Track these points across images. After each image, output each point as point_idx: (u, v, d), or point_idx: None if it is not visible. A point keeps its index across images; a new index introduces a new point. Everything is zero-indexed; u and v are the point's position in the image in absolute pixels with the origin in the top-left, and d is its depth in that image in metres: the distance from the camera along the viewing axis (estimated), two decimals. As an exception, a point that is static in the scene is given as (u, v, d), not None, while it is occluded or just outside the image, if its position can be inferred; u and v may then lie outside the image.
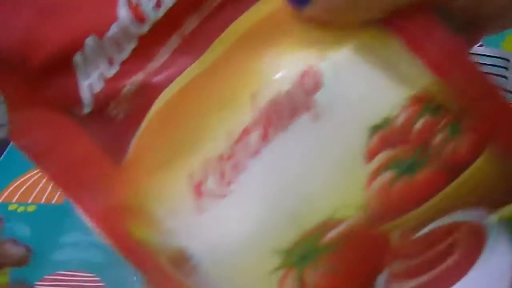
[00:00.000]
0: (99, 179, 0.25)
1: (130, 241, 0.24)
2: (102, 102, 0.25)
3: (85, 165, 0.25)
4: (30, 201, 0.51)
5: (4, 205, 0.51)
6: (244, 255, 0.23)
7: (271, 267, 0.23)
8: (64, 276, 0.44)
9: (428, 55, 0.22)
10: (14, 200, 0.51)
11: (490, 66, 0.55)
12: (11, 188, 0.52)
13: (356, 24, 0.23)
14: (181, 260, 0.23)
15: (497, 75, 0.50)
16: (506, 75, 0.53)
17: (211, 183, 0.23)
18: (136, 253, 0.24)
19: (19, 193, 0.52)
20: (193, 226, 0.23)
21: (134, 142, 0.25)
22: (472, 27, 0.26)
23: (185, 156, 0.24)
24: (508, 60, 0.56)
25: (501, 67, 0.55)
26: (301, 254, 0.22)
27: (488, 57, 0.50)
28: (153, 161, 0.24)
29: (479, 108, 0.22)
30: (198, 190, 0.23)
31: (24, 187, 0.52)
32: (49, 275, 0.45)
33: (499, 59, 0.55)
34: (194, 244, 0.23)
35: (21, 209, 0.50)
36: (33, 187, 0.52)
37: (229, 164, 0.23)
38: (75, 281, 0.44)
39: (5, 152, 0.56)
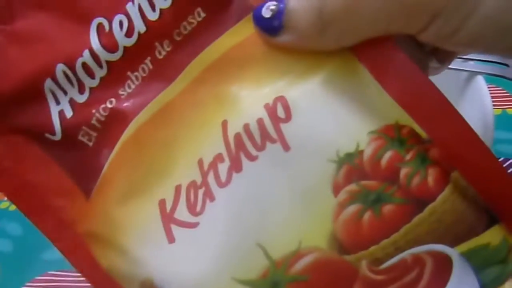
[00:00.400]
0: (66, 208, 0.25)
1: (98, 270, 0.25)
2: (73, 129, 0.25)
3: (51, 193, 0.26)
4: (22, 198, 0.51)
5: (-4, 203, 0.51)
6: (212, 286, 0.23)
7: None
8: (55, 277, 0.45)
9: (391, 84, 0.22)
10: (5, 198, 0.51)
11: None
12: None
13: (327, 52, 0.23)
14: None
15: (499, 63, 0.50)
16: (509, 64, 0.52)
17: (181, 212, 0.23)
18: (105, 282, 0.25)
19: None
20: (163, 256, 0.23)
21: (105, 169, 0.25)
22: (442, 52, 0.26)
23: (154, 183, 0.24)
24: None
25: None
26: (270, 285, 0.22)
27: None
28: (122, 189, 0.24)
29: (443, 137, 0.22)
30: (168, 219, 0.24)
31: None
32: (40, 276, 0.45)
33: None
34: (163, 274, 0.23)
35: (12, 207, 0.50)
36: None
37: (200, 193, 0.23)
38: (67, 281, 0.44)
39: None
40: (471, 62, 0.46)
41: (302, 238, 0.22)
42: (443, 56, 0.27)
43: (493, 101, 0.43)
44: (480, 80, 0.45)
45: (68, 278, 0.44)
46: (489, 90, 0.44)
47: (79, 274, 0.43)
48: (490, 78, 0.46)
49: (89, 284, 0.42)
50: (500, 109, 0.56)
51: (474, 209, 0.22)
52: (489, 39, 0.21)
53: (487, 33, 0.21)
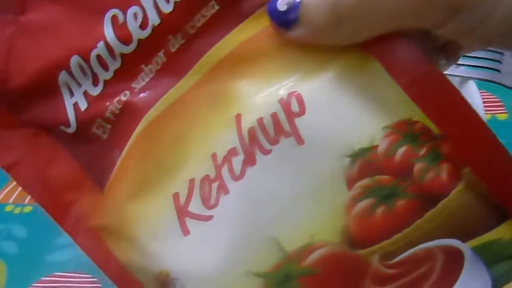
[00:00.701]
0: (80, 200, 0.26)
1: (114, 262, 0.25)
2: (87, 121, 0.25)
3: (66, 186, 0.26)
4: (26, 202, 0.51)
5: (1, 205, 0.51)
6: (226, 278, 0.23)
7: None
8: (60, 277, 0.45)
9: (404, 79, 0.22)
10: (10, 201, 0.51)
11: (484, 60, 0.55)
12: (7, 189, 0.53)
13: (340, 47, 0.23)
14: (166, 283, 0.24)
15: (491, 68, 0.50)
16: (499, 69, 0.53)
17: (195, 205, 0.24)
18: (121, 275, 0.25)
19: (15, 194, 0.52)
20: (178, 248, 0.24)
21: (118, 163, 0.25)
22: (450, 48, 0.26)
23: (168, 177, 0.24)
24: (502, 54, 0.56)
25: (495, 60, 0.55)
26: (282, 277, 0.23)
27: (482, 50, 0.50)
28: (135, 182, 0.25)
29: (456, 133, 0.22)
30: (183, 212, 0.24)
31: (20, 188, 0.52)
32: (45, 276, 0.45)
33: (493, 53, 0.55)
34: (179, 267, 0.23)
35: (17, 210, 0.50)
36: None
37: (214, 186, 0.23)
38: (71, 282, 0.44)
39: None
40: (463, 68, 0.47)
41: (314, 231, 0.23)
42: (451, 53, 0.27)
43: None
44: (472, 85, 0.45)
45: (72, 279, 0.44)
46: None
47: (83, 275, 0.44)
48: (479, 83, 0.46)
49: (93, 285, 0.43)
50: (490, 115, 0.56)
51: (485, 205, 0.22)
52: (508, 36, 0.21)
53: (506, 31, 0.21)
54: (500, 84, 0.51)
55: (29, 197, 0.52)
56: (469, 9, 0.20)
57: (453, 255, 0.22)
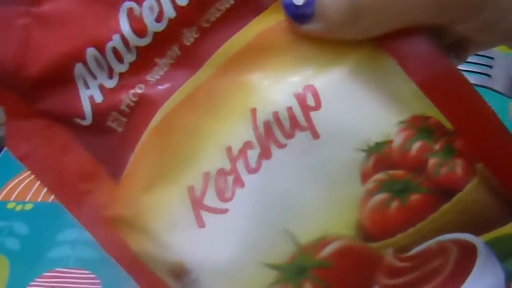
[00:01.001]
0: (94, 191, 0.26)
1: (128, 253, 0.25)
2: (102, 114, 0.25)
3: (80, 178, 0.26)
4: (27, 199, 0.51)
5: (3, 203, 0.51)
6: (241, 269, 0.23)
7: (267, 282, 0.23)
8: (61, 273, 0.45)
9: (417, 74, 0.22)
10: (12, 199, 0.51)
11: (475, 64, 0.55)
12: (9, 187, 0.53)
13: (354, 41, 0.23)
14: (181, 274, 0.24)
15: (481, 73, 0.51)
16: (490, 74, 0.53)
17: (211, 198, 0.24)
18: (135, 265, 0.25)
19: (17, 191, 0.52)
20: (193, 240, 0.24)
21: (133, 155, 0.25)
22: (459, 47, 0.26)
23: (183, 170, 0.24)
24: (492, 59, 0.56)
25: (486, 65, 0.56)
26: (296, 270, 0.23)
27: (473, 55, 0.50)
28: (150, 175, 0.25)
29: (469, 129, 0.22)
30: (198, 204, 0.24)
31: (22, 185, 0.53)
32: (46, 272, 0.45)
33: (483, 58, 0.56)
34: (193, 258, 0.24)
35: (19, 207, 0.51)
36: (30, 186, 0.52)
37: (229, 180, 0.24)
38: (71, 278, 0.44)
39: (3, 151, 0.57)
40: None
41: (328, 225, 0.23)
42: (461, 51, 0.27)
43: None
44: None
45: (73, 274, 0.44)
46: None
47: (82, 271, 0.44)
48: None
49: (91, 281, 0.43)
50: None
51: (499, 200, 0.23)
52: None
53: None
54: (490, 89, 0.52)
55: (30, 194, 0.52)
56: (493, 4, 0.20)
57: (466, 249, 0.23)
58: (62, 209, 0.48)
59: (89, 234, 0.25)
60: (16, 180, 0.53)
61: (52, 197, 0.51)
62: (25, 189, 0.52)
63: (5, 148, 0.57)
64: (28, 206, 0.51)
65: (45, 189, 0.51)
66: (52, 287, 0.44)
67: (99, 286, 0.43)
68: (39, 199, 0.51)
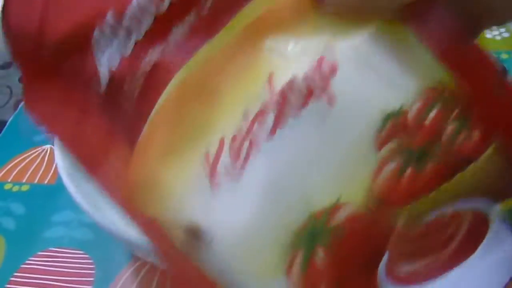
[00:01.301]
0: (112, 158, 0.26)
1: (144, 216, 0.25)
2: (118, 80, 0.25)
3: (98, 143, 0.26)
4: (24, 180, 0.52)
5: (1, 184, 0.52)
6: (255, 235, 0.23)
7: (280, 247, 0.23)
8: (55, 253, 0.45)
9: (437, 46, 0.23)
10: (9, 180, 0.52)
11: None
12: (7, 168, 0.53)
13: (373, 13, 0.23)
14: (195, 235, 0.24)
15: None
16: None
17: (226, 162, 0.24)
18: (152, 228, 0.25)
19: (14, 173, 0.53)
20: (208, 204, 0.24)
21: (149, 121, 0.25)
22: (476, 20, 0.26)
23: (199, 134, 0.24)
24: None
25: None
26: (309, 235, 0.23)
27: None
28: (166, 142, 0.25)
29: (486, 99, 0.23)
30: (214, 168, 0.24)
31: (19, 167, 0.53)
32: (41, 251, 0.45)
33: None
34: (208, 221, 0.24)
35: (16, 188, 0.51)
36: (27, 168, 0.53)
37: (244, 144, 0.24)
38: (65, 257, 0.45)
39: (1, 133, 0.57)
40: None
41: (342, 192, 0.23)
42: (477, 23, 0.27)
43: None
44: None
45: (67, 254, 0.45)
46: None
47: (76, 251, 0.44)
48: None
49: (87, 261, 0.43)
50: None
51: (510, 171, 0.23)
52: None
53: None
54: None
55: (27, 176, 0.52)
56: None
57: (479, 217, 0.23)
58: (58, 191, 0.49)
59: (108, 199, 0.25)
60: (14, 162, 0.54)
61: (48, 179, 0.51)
62: (22, 171, 0.53)
63: (2, 131, 0.57)
64: (25, 187, 0.51)
65: (42, 171, 0.52)
66: (46, 265, 0.45)
67: (92, 266, 0.44)
68: (36, 181, 0.51)
